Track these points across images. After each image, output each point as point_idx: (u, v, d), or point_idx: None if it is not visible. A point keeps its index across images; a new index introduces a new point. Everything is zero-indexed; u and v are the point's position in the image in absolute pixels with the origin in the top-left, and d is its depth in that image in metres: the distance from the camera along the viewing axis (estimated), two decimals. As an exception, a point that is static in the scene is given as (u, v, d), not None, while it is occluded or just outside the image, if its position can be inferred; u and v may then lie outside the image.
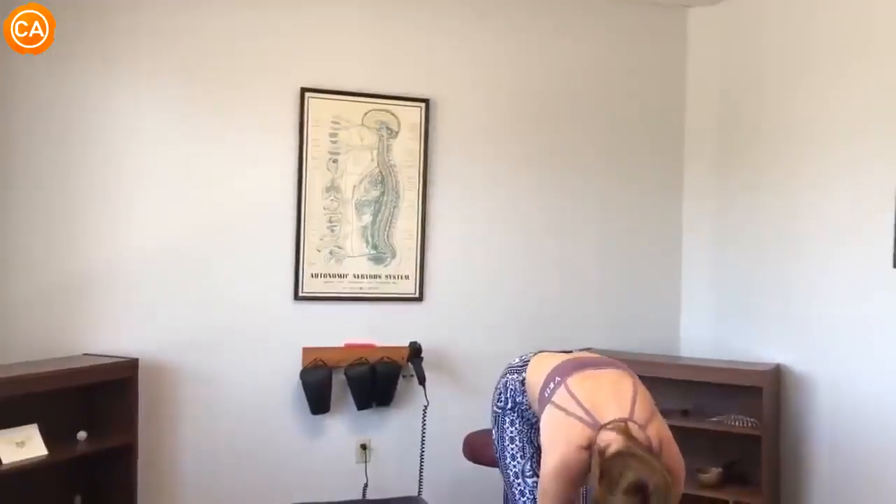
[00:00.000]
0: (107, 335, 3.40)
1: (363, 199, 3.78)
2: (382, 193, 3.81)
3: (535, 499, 2.37)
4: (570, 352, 2.67)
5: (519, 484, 2.37)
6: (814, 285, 3.54)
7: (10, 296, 3.28)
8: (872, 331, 3.26)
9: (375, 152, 3.79)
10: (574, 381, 2.21)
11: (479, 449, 3.30)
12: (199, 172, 3.55)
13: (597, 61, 4.16)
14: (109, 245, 3.43)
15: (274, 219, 3.66)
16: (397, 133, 3.82)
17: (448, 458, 3.68)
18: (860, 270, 3.32)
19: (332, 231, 3.74)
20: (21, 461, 2.87)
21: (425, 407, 3.74)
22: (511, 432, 2.46)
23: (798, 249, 3.62)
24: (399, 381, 3.77)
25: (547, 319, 4.01)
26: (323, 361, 3.65)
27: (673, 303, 4.24)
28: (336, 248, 3.74)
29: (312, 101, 3.68)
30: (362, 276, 3.78)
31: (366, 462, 3.76)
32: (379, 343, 3.75)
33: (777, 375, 3.62)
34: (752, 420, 3.54)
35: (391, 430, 3.82)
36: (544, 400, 2.25)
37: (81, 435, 3.17)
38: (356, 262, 3.77)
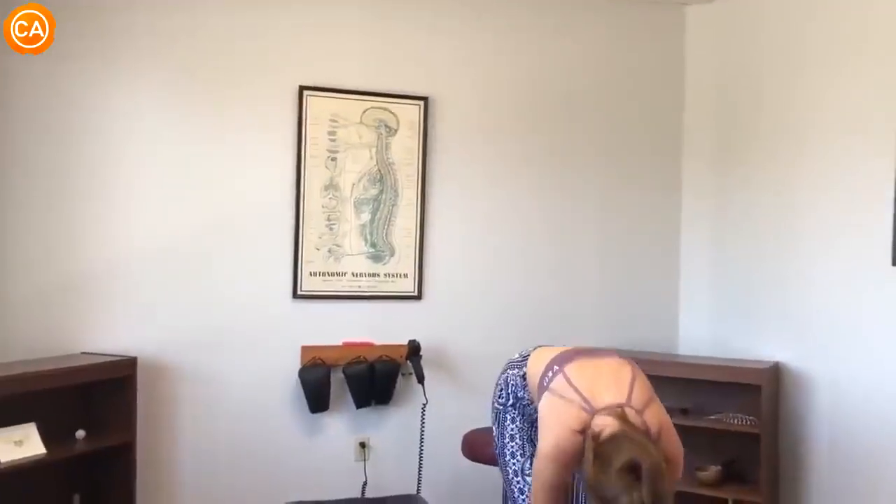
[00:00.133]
0: (105, 334, 3.40)
1: (362, 197, 3.78)
2: (381, 192, 3.80)
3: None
4: None
5: (518, 482, 2.37)
6: (812, 283, 3.54)
7: (8, 295, 3.28)
8: (871, 328, 3.26)
9: (374, 150, 3.79)
10: (572, 368, 2.22)
11: (477, 447, 3.30)
12: (197, 171, 3.54)
13: (595, 59, 4.16)
14: (108, 244, 3.43)
15: (272, 217, 3.65)
16: (396, 131, 3.82)
17: (447, 456, 3.68)
18: (859, 268, 3.32)
19: (331, 229, 3.73)
20: (19, 460, 2.87)
21: (424, 405, 3.74)
22: (511, 430, 2.45)
23: (796, 247, 3.62)
24: (398, 380, 3.77)
25: (546, 317, 4.01)
26: (322, 360, 3.65)
27: (671, 301, 4.24)
28: (335, 247, 3.74)
29: (311, 100, 3.67)
30: (361, 275, 3.78)
31: (364, 460, 3.76)
32: (378, 341, 3.75)
33: (776, 373, 3.63)
34: (750, 418, 3.54)
35: (390, 428, 3.82)
36: (542, 388, 2.25)
37: (80, 434, 3.17)
38: (355, 261, 3.77)
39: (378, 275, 3.81)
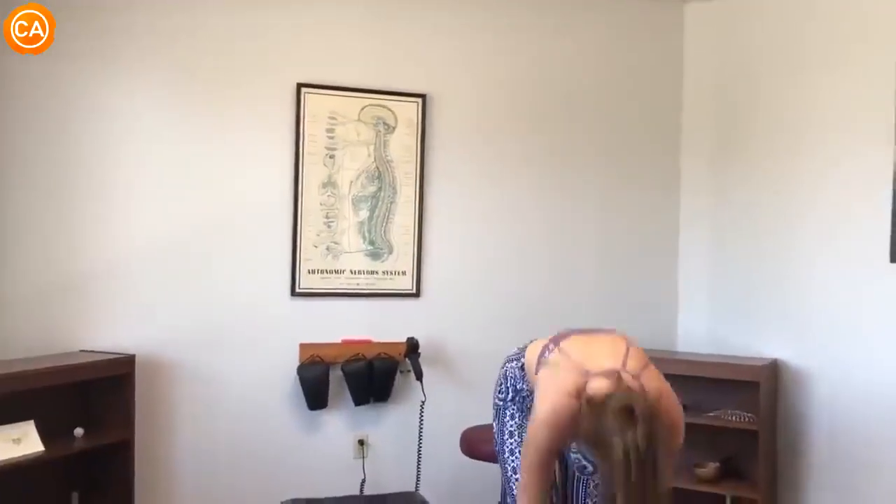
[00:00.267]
0: (104, 332, 3.39)
1: (360, 194, 3.77)
2: (379, 189, 3.80)
3: None
4: None
5: (517, 479, 2.37)
6: (811, 280, 3.55)
7: (7, 293, 3.27)
8: (870, 325, 3.27)
9: (372, 148, 3.79)
10: (567, 342, 2.26)
11: (476, 444, 3.30)
12: (194, 169, 3.54)
13: (593, 57, 4.16)
14: (106, 242, 3.42)
15: (270, 215, 3.65)
16: (394, 129, 3.82)
17: (445, 453, 3.68)
18: (857, 265, 3.32)
19: (329, 227, 3.73)
20: (17, 457, 2.86)
21: (422, 402, 3.74)
22: (511, 426, 2.45)
23: (795, 244, 3.63)
24: (396, 377, 3.77)
25: (544, 314, 3.99)
26: (320, 357, 3.65)
27: (670, 298, 4.24)
28: (333, 244, 3.74)
29: (309, 97, 3.67)
30: (359, 272, 3.78)
31: (363, 458, 3.77)
32: (376, 339, 3.75)
33: (774, 370, 3.63)
34: (749, 415, 3.54)
35: (388, 425, 3.82)
36: (540, 366, 2.28)
37: (78, 431, 3.17)
38: (353, 258, 3.77)
39: (376, 272, 3.81)
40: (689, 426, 3.53)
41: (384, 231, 3.82)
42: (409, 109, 3.83)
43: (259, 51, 3.62)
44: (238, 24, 3.59)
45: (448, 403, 3.81)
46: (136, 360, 3.32)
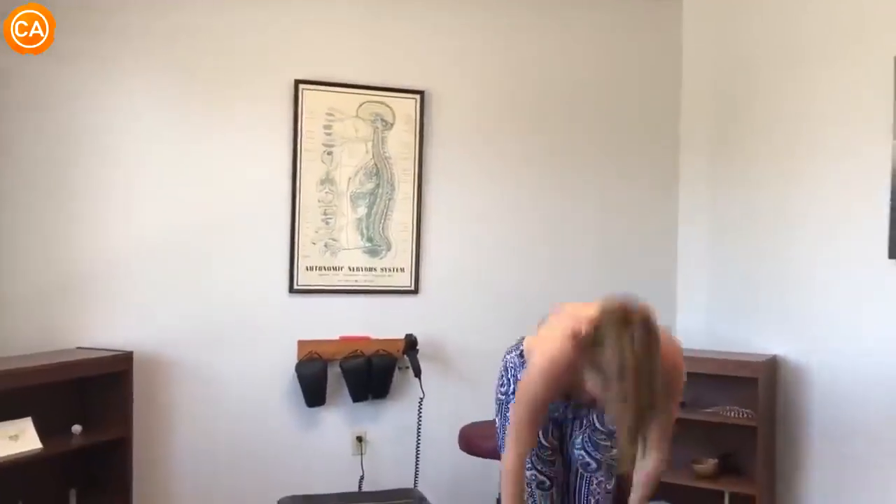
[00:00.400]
0: (101, 329, 3.39)
1: (358, 191, 3.77)
2: (377, 186, 3.80)
3: (532, 491, 2.35)
4: None
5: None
6: (810, 276, 3.54)
7: (5, 291, 3.27)
8: (868, 321, 3.26)
9: (370, 144, 3.78)
10: (562, 307, 2.31)
11: (474, 441, 3.30)
12: (192, 166, 3.54)
13: (592, 53, 4.15)
14: (103, 239, 3.42)
15: (268, 212, 3.65)
16: (392, 125, 3.81)
17: (444, 450, 3.68)
18: (856, 261, 3.32)
19: (327, 224, 3.73)
20: (15, 454, 2.86)
21: (421, 399, 3.74)
22: None
23: (793, 240, 3.62)
24: (395, 374, 3.77)
25: (543, 310, 3.98)
26: (318, 354, 3.65)
27: (669, 294, 4.23)
28: (331, 241, 3.74)
29: (307, 93, 3.67)
30: (357, 269, 3.78)
31: (361, 454, 3.76)
32: (374, 336, 3.75)
33: (773, 366, 3.63)
34: (747, 411, 3.54)
35: (387, 422, 3.82)
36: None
37: (76, 428, 3.17)
38: (351, 255, 3.76)
39: (374, 269, 3.80)
40: (687, 422, 3.56)
41: (382, 228, 3.81)
42: (408, 106, 3.82)
43: (257, 48, 3.61)
44: (236, 22, 3.58)
45: (446, 400, 3.81)
46: (134, 357, 3.32)
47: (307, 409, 3.66)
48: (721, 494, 3.55)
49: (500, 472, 2.24)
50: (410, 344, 3.74)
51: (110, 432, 3.23)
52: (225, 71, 3.57)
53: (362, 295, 3.78)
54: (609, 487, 2.41)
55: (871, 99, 3.23)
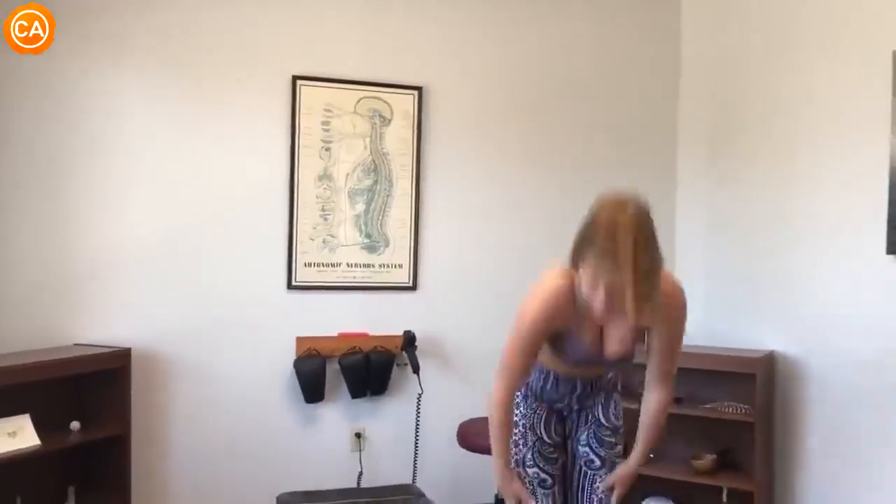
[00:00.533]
0: (99, 326, 3.39)
1: (356, 187, 3.76)
2: (375, 182, 3.79)
3: (534, 489, 2.30)
4: None
5: (519, 473, 2.31)
6: (808, 271, 3.54)
7: (1, 287, 3.26)
8: (866, 317, 3.26)
9: (368, 140, 3.78)
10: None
11: (472, 437, 3.30)
12: (190, 163, 3.53)
13: (590, 46, 4.15)
14: (101, 236, 3.42)
15: (266, 208, 3.64)
16: (390, 121, 3.80)
17: (442, 446, 3.68)
18: (854, 256, 3.32)
19: (325, 220, 3.72)
20: (13, 451, 2.87)
21: (419, 395, 3.74)
22: (516, 416, 2.34)
23: (791, 235, 3.62)
24: (393, 370, 3.77)
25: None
26: (317, 350, 3.65)
27: (667, 290, 4.23)
28: (329, 237, 3.73)
29: (304, 89, 3.66)
30: (356, 265, 3.77)
31: (360, 451, 3.77)
32: (373, 332, 3.75)
33: (770, 362, 3.63)
34: (745, 407, 3.54)
35: (385, 418, 3.82)
36: None
37: (74, 425, 3.17)
38: (349, 251, 3.76)
39: (373, 265, 3.80)
40: (685, 418, 3.57)
41: (380, 224, 3.81)
42: (406, 102, 3.82)
43: (254, 43, 3.60)
44: (232, 17, 3.57)
45: (445, 396, 3.82)
46: (132, 353, 3.32)
47: (306, 405, 3.66)
48: (719, 490, 3.55)
49: (488, 405, 2.17)
50: (409, 340, 3.73)
51: (108, 429, 3.23)
52: (222, 67, 3.56)
53: (360, 291, 3.78)
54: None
55: (869, 93, 3.23)
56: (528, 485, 2.30)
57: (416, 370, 3.71)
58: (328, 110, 3.70)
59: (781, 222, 3.68)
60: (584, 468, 2.35)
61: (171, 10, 3.48)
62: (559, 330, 2.14)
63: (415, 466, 3.70)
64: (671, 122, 4.26)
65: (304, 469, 3.65)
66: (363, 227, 3.78)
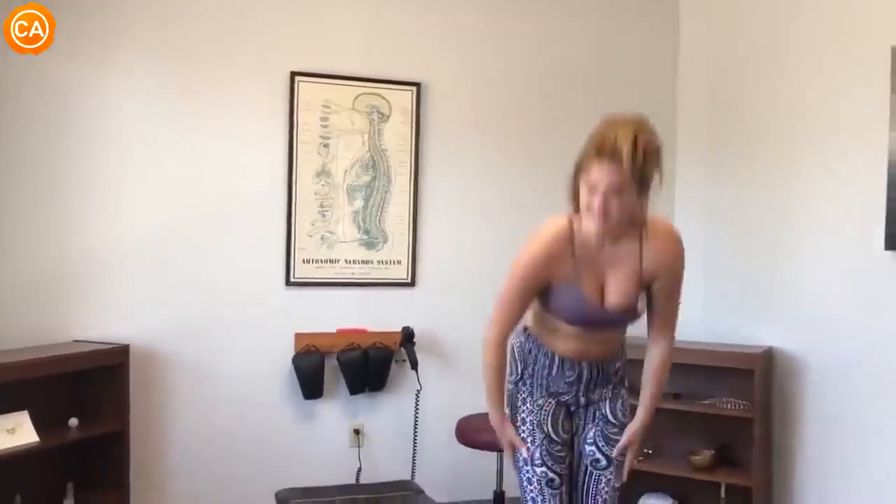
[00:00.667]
0: (97, 323, 3.39)
1: (354, 183, 3.76)
2: (374, 178, 3.79)
3: (541, 489, 2.26)
4: None
5: (527, 471, 2.26)
6: (806, 267, 3.54)
7: (0, 285, 3.26)
8: (864, 312, 3.27)
9: (366, 136, 3.77)
10: None
11: (471, 433, 3.31)
12: (188, 159, 3.53)
13: (588, 42, 4.14)
14: (99, 232, 3.41)
15: (265, 204, 3.64)
16: (388, 117, 3.80)
17: (441, 442, 3.69)
18: (852, 252, 3.32)
19: (324, 216, 3.72)
20: (12, 448, 2.86)
21: (418, 392, 3.74)
22: (523, 412, 2.30)
23: (789, 231, 3.62)
24: (391, 366, 3.77)
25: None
26: (315, 347, 3.65)
27: (665, 286, 4.23)
28: (327, 234, 3.73)
29: (302, 86, 3.65)
30: (354, 262, 3.77)
31: (359, 447, 3.77)
32: (371, 328, 3.75)
33: (769, 358, 3.63)
34: (743, 402, 3.55)
35: (384, 414, 3.82)
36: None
37: (73, 422, 3.17)
38: (348, 248, 3.76)
39: (371, 262, 3.80)
40: (683, 414, 3.58)
41: (379, 220, 3.80)
42: (404, 98, 3.81)
43: (252, 39, 3.60)
44: (231, 13, 3.56)
45: (443, 392, 3.82)
46: (130, 350, 3.32)
47: (304, 401, 3.66)
48: (717, 486, 3.56)
49: (482, 345, 2.20)
50: (407, 336, 3.74)
51: (107, 425, 3.23)
52: (220, 64, 3.55)
53: (359, 287, 3.78)
54: (617, 485, 2.35)
55: (868, 89, 3.22)
56: (535, 482, 2.27)
57: (414, 366, 3.71)
58: (326, 106, 3.70)
59: (780, 219, 3.68)
60: (589, 468, 2.32)
61: (168, 7, 3.48)
62: (557, 278, 2.15)
63: (413, 462, 3.71)
64: (670, 119, 4.24)
65: (302, 465, 3.66)
66: (361, 224, 3.78)
